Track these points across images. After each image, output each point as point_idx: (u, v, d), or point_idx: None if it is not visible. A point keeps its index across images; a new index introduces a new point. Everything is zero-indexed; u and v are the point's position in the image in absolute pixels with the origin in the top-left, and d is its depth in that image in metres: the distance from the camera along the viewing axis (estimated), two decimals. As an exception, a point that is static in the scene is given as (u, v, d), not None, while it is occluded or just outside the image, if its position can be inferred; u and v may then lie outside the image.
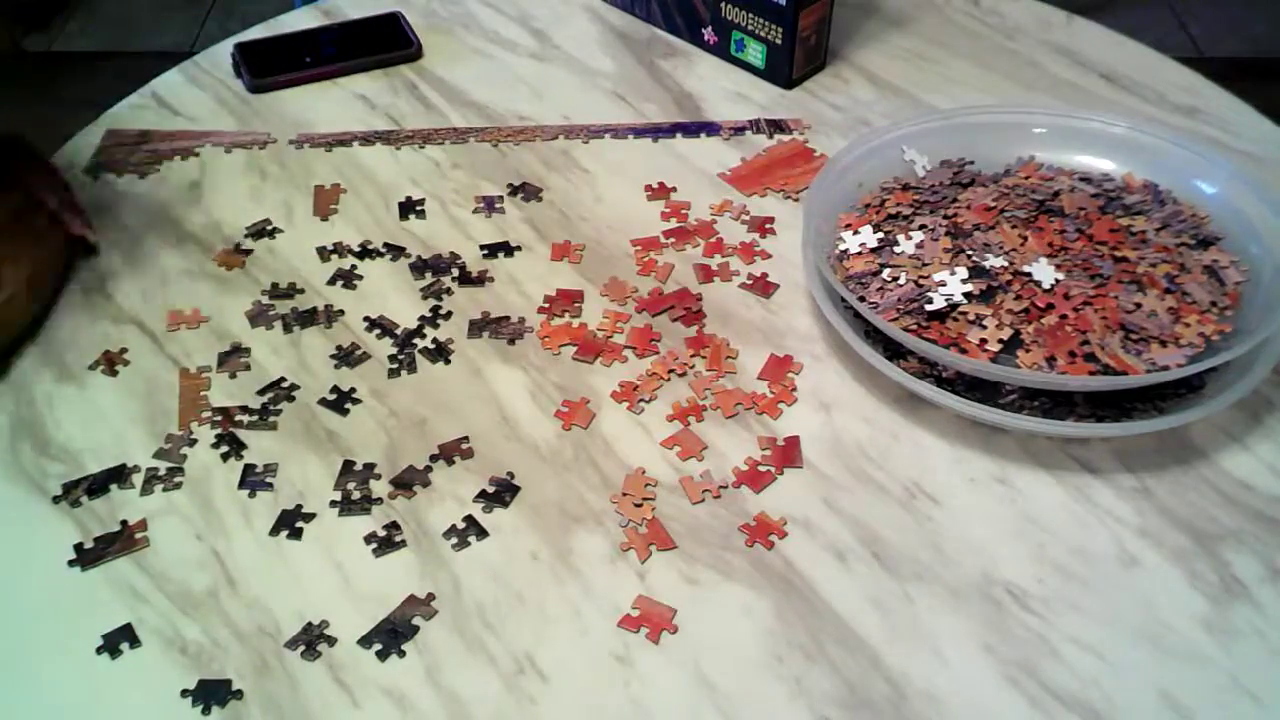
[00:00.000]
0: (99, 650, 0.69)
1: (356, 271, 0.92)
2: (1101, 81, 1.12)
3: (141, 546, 0.74)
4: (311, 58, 1.13)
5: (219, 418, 0.82)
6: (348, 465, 0.79)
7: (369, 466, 0.78)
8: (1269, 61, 2.41)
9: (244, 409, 0.82)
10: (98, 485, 0.77)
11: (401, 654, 0.69)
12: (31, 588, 0.73)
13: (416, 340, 0.87)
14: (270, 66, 1.12)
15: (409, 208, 0.98)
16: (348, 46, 1.15)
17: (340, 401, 0.83)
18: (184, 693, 0.67)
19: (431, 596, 0.71)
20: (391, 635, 0.69)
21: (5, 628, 0.71)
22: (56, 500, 0.76)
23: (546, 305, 0.89)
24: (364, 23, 1.18)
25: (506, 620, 0.70)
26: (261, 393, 0.83)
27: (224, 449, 0.80)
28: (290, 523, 0.75)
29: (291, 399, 0.83)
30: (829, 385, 0.84)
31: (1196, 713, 0.66)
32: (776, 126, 1.07)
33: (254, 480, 0.78)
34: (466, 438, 0.80)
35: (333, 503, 0.76)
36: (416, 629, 0.70)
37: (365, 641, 0.69)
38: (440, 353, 0.86)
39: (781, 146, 1.04)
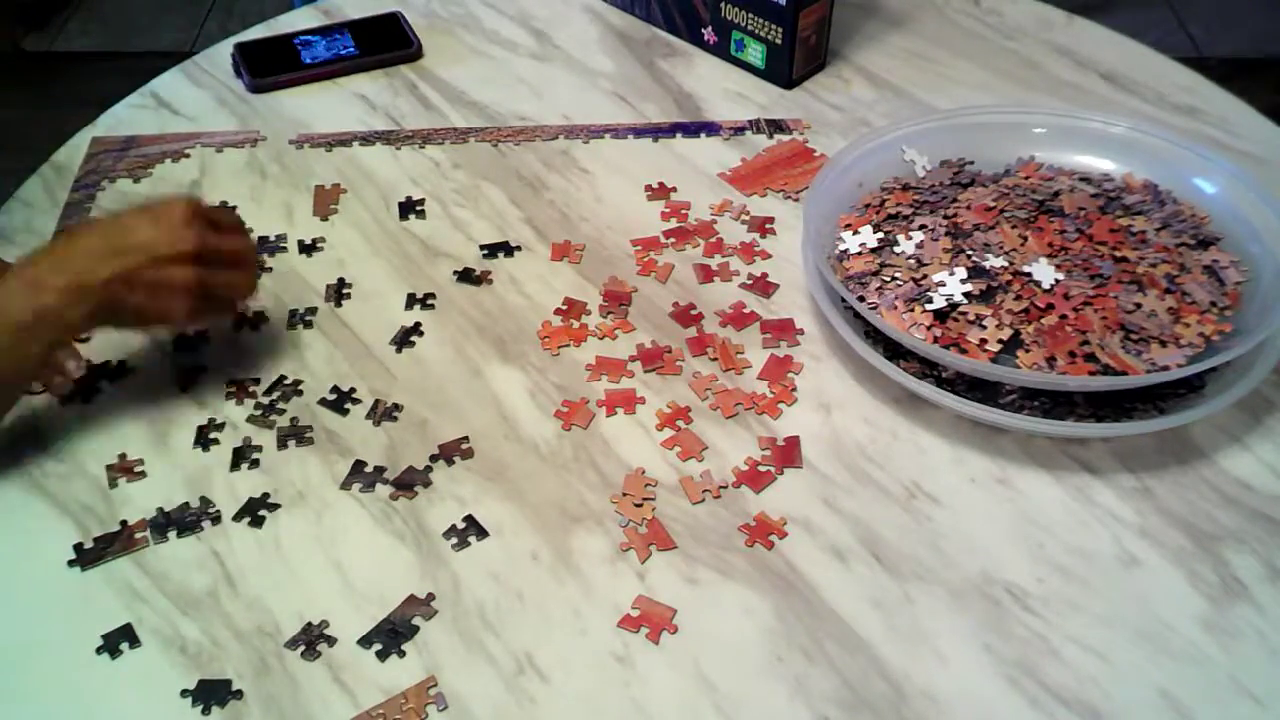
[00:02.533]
0: (99, 650, 0.69)
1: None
2: (1101, 81, 1.12)
3: (141, 546, 0.74)
4: (311, 58, 1.13)
5: (233, 389, 0.83)
6: (358, 465, 0.79)
7: (379, 469, 0.78)
8: (1269, 62, 2.41)
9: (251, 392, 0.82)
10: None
11: (401, 654, 0.69)
12: (31, 588, 0.73)
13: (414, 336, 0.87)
14: (270, 67, 1.12)
15: (409, 208, 0.98)
16: (348, 46, 1.15)
17: (340, 401, 0.83)
18: (184, 693, 0.67)
19: (431, 596, 0.71)
20: (391, 635, 0.69)
21: (5, 628, 0.71)
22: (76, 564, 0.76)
23: (564, 308, 0.89)
24: (364, 23, 1.18)
25: (506, 620, 0.70)
26: (264, 393, 0.83)
27: (224, 449, 0.80)
28: (254, 510, 0.76)
29: (300, 392, 0.83)
30: (829, 385, 0.84)
31: (1196, 713, 0.66)
32: (776, 126, 1.07)
33: (258, 498, 0.78)
34: (466, 437, 0.80)
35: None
36: (416, 629, 0.70)
37: (365, 641, 0.69)
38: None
39: (781, 146, 1.04)
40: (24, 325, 0.72)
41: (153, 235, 0.75)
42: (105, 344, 0.86)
